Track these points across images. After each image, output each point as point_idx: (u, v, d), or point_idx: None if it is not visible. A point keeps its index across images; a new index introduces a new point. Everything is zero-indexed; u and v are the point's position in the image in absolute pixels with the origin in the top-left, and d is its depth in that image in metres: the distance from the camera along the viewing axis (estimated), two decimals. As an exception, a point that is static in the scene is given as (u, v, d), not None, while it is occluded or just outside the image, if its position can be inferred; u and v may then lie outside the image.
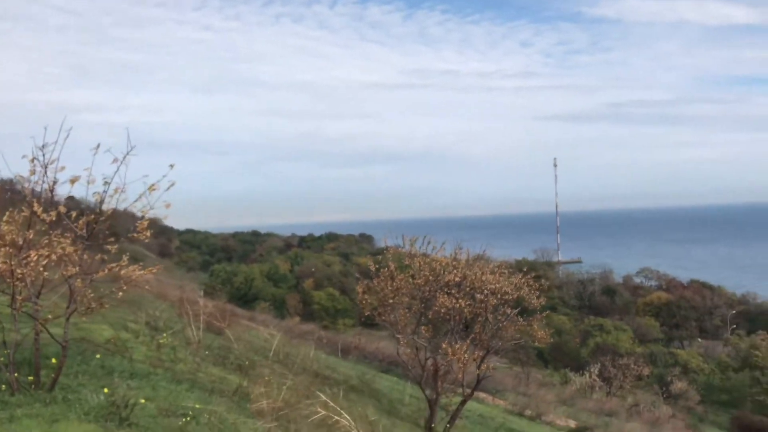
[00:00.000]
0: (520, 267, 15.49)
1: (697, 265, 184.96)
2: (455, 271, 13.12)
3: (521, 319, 13.34)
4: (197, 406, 8.07)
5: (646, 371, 51.89)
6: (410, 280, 13.28)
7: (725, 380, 59.38)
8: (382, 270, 13.50)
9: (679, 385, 53.03)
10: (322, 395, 8.07)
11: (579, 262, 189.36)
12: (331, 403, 7.84)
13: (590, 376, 47.59)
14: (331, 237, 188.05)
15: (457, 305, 12.57)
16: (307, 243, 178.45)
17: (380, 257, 14.42)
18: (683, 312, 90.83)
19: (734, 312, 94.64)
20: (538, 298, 13.37)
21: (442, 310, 12.75)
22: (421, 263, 13.40)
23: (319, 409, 7.73)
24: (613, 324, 72.96)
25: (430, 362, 13.34)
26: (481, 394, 31.91)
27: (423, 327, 13.39)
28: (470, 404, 22.78)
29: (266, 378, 11.24)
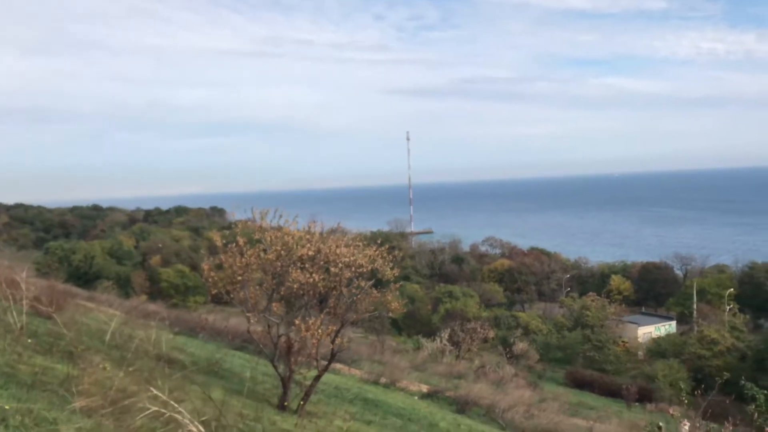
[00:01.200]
0: (375, 238, 15.29)
1: (534, 232, 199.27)
2: (309, 244, 12.61)
3: (376, 291, 13.16)
4: (7, 407, 6.95)
5: (491, 334, 54.90)
6: (261, 255, 12.59)
7: (561, 339, 64.41)
8: (230, 245, 12.69)
9: (520, 346, 56.65)
10: (153, 389, 7.24)
11: (430, 232, 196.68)
12: (163, 396, 7.05)
13: (441, 341, 49.39)
14: (180, 211, 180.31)
15: (311, 280, 12.11)
16: (154, 217, 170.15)
17: (228, 232, 13.57)
18: (524, 277, 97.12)
19: (568, 276, 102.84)
20: (392, 269, 13.23)
21: (295, 286, 12.23)
22: (273, 237, 12.74)
23: (149, 405, 6.92)
24: (461, 290, 76.35)
25: (283, 339, 12.82)
26: (337, 365, 31.93)
27: (275, 304, 12.80)
28: (326, 376, 22.55)
29: (100, 366, 10.15)
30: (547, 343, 63.15)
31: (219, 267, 12.96)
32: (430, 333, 55.53)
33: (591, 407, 40.00)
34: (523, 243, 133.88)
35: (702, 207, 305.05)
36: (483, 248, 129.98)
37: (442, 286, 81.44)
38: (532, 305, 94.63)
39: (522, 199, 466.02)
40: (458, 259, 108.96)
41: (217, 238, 13.11)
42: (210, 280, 12.80)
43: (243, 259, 12.39)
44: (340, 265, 12.31)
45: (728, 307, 77.15)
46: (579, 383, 51.46)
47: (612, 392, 47.88)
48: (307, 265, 12.44)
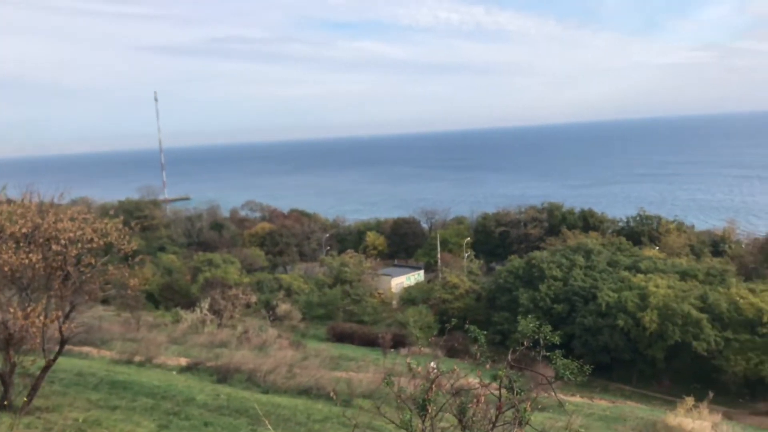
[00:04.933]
0: (123, 208, 13.88)
1: (291, 194, 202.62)
2: (23, 220, 10.92)
3: (111, 267, 11.94)
4: None
5: (254, 299, 54.69)
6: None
7: (322, 296, 66.45)
8: None
9: (283, 307, 57.37)
10: None
11: (187, 198, 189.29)
12: None
13: (201, 311, 47.93)
14: None
15: (27, 261, 10.53)
16: None
17: None
18: (285, 239, 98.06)
19: (328, 235, 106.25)
20: (129, 242, 12.06)
21: (6, 268, 10.55)
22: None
23: None
24: (222, 257, 74.69)
25: (-2, 330, 11.06)
26: (85, 348, 29.36)
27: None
28: (69, 362, 20.49)
29: None
30: (310, 302, 64.75)
31: None
32: (190, 304, 53.49)
33: (351, 358, 41.89)
34: (282, 205, 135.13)
35: (438, 165, 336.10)
36: (243, 212, 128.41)
37: (201, 254, 78.73)
38: (294, 266, 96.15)
39: (279, 161, 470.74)
40: (217, 226, 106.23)
41: None
42: None
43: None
44: (63, 241, 10.87)
45: (466, 254, 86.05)
46: (340, 337, 53.68)
47: (370, 342, 50.69)
48: (22, 244, 10.79)
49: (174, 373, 26.38)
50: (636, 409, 35.84)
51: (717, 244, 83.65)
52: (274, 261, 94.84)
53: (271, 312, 55.57)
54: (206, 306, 48.50)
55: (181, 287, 68.24)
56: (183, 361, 29.36)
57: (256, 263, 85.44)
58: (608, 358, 49.58)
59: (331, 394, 16.56)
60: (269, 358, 31.17)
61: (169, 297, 66.49)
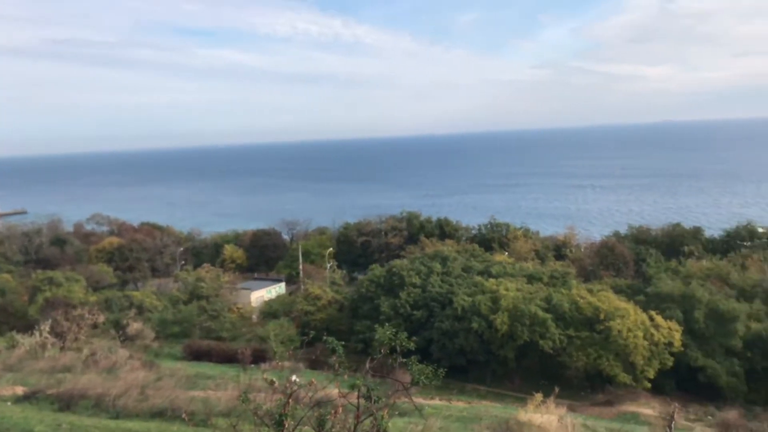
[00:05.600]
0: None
1: (141, 206, 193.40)
2: None
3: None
4: None
5: (101, 318, 51.27)
6: None
7: (177, 313, 63.60)
8: None
9: (135, 326, 54.24)
10: None
11: (23, 212, 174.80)
12: None
13: (41, 334, 44.23)
14: None
15: None
16: None
17: None
18: (135, 254, 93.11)
19: (182, 249, 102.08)
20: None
21: None
22: None
23: None
24: (64, 275, 69.50)
25: None
26: None
27: None
28: None
29: None
30: (164, 319, 61.80)
31: None
32: (28, 327, 49.17)
33: (209, 377, 40.37)
34: (132, 218, 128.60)
35: (299, 176, 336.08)
36: (89, 227, 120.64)
37: (41, 272, 72.71)
38: (147, 283, 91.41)
39: (128, 172, 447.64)
40: (59, 241, 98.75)
41: None
42: None
43: None
44: None
45: (329, 265, 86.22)
46: (197, 354, 51.66)
47: (229, 358, 49.24)
48: None
49: (8, 404, 24.20)
50: (491, 408, 37.58)
51: (559, 249, 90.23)
52: (123, 277, 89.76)
53: (121, 332, 52.38)
54: (47, 328, 44.81)
55: (16, 309, 62.75)
56: (19, 391, 27.00)
57: (104, 280, 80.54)
58: (464, 360, 51.65)
59: (183, 416, 15.80)
60: (119, 380, 29.35)
61: (3, 320, 60.90)
